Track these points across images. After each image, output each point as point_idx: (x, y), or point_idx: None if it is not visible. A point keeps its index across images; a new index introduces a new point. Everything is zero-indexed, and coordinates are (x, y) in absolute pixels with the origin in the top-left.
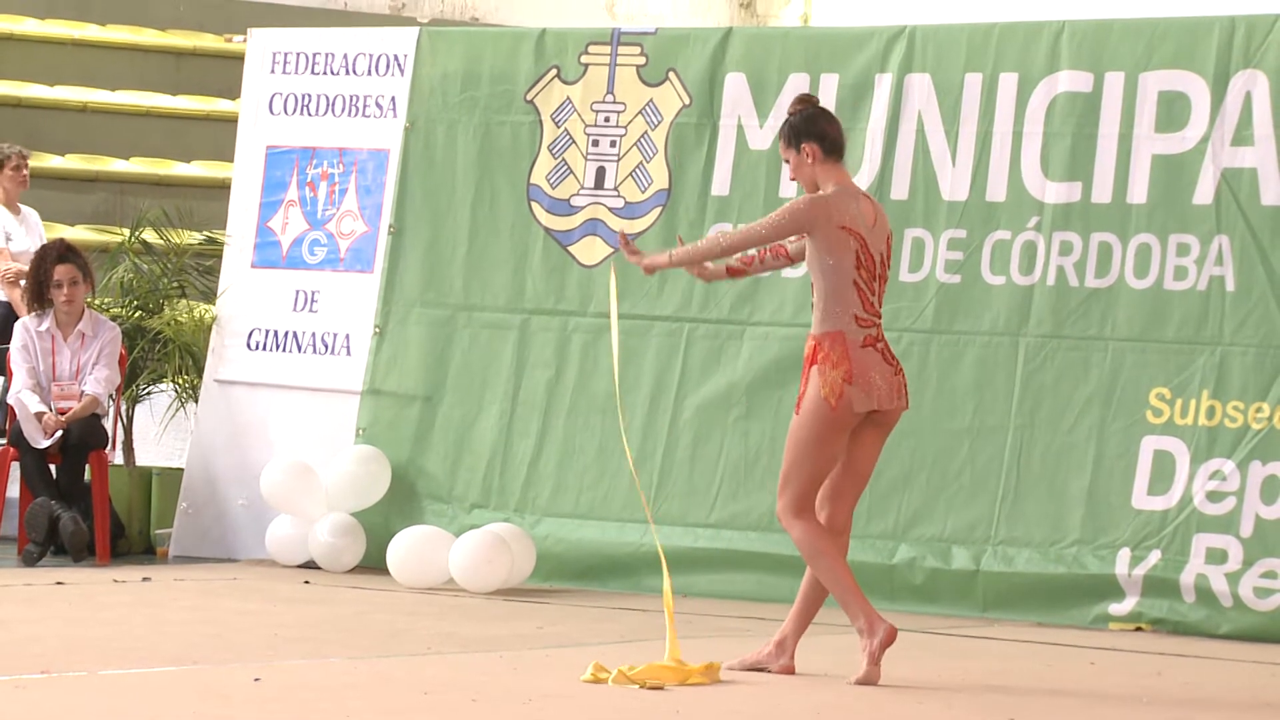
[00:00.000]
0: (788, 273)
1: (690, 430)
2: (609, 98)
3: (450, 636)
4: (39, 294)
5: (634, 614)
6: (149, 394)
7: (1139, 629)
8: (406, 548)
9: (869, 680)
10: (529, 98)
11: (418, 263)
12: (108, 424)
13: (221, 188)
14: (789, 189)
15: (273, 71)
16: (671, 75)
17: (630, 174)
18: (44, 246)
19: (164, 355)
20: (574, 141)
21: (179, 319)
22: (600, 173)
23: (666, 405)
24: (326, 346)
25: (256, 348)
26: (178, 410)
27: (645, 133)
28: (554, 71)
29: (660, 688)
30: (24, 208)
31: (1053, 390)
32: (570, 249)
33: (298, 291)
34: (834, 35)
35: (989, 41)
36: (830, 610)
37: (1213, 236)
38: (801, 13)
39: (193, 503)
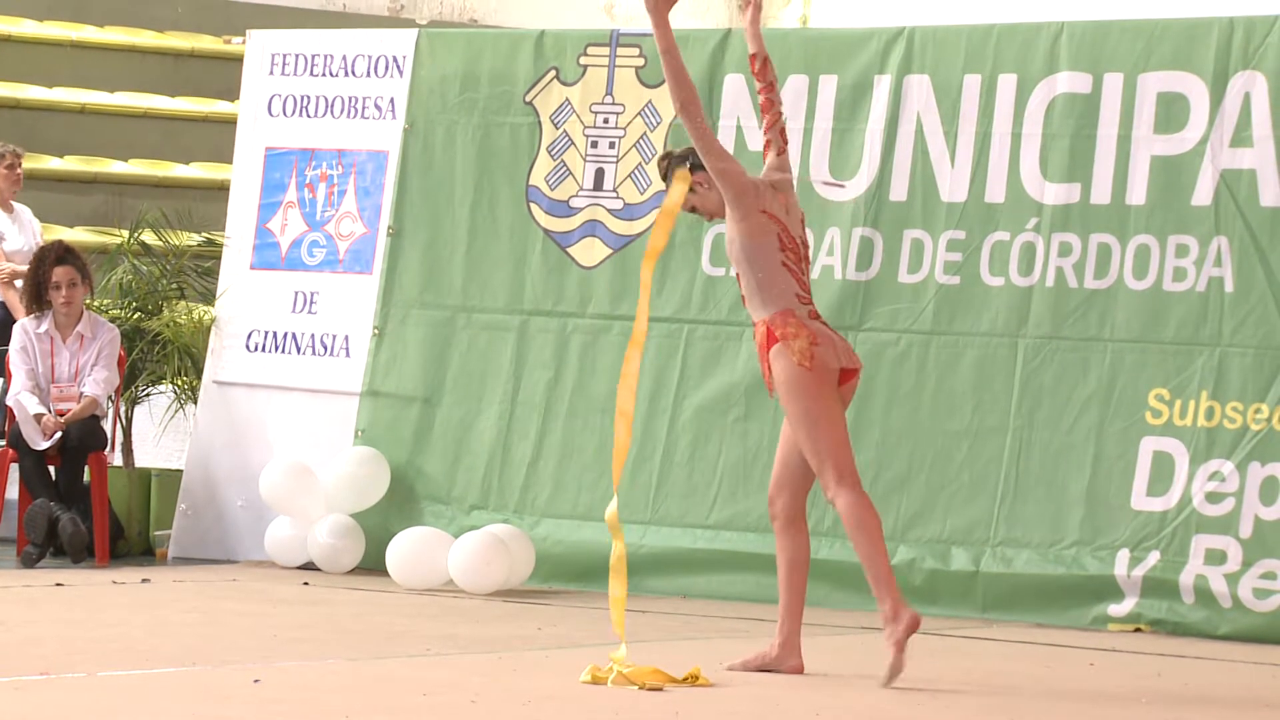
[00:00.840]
0: None
1: (689, 431)
2: (608, 99)
3: (449, 638)
4: (38, 296)
5: (633, 615)
6: (148, 395)
7: (1138, 630)
8: (406, 549)
9: (896, 668)
10: (528, 99)
11: (417, 264)
12: (107, 425)
13: (220, 189)
14: None
15: (271, 73)
16: None
17: (629, 175)
18: (42, 248)
19: (163, 357)
20: (573, 143)
21: (178, 320)
22: (599, 174)
23: (665, 406)
24: (325, 348)
25: (255, 349)
26: (177, 412)
27: (644, 134)
28: (553, 73)
29: (659, 689)
30: (17, 205)
31: (1052, 391)
32: (569, 250)
33: (297, 293)
34: (833, 36)
35: (988, 42)
36: (829, 611)
37: (1212, 237)
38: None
39: (192, 504)
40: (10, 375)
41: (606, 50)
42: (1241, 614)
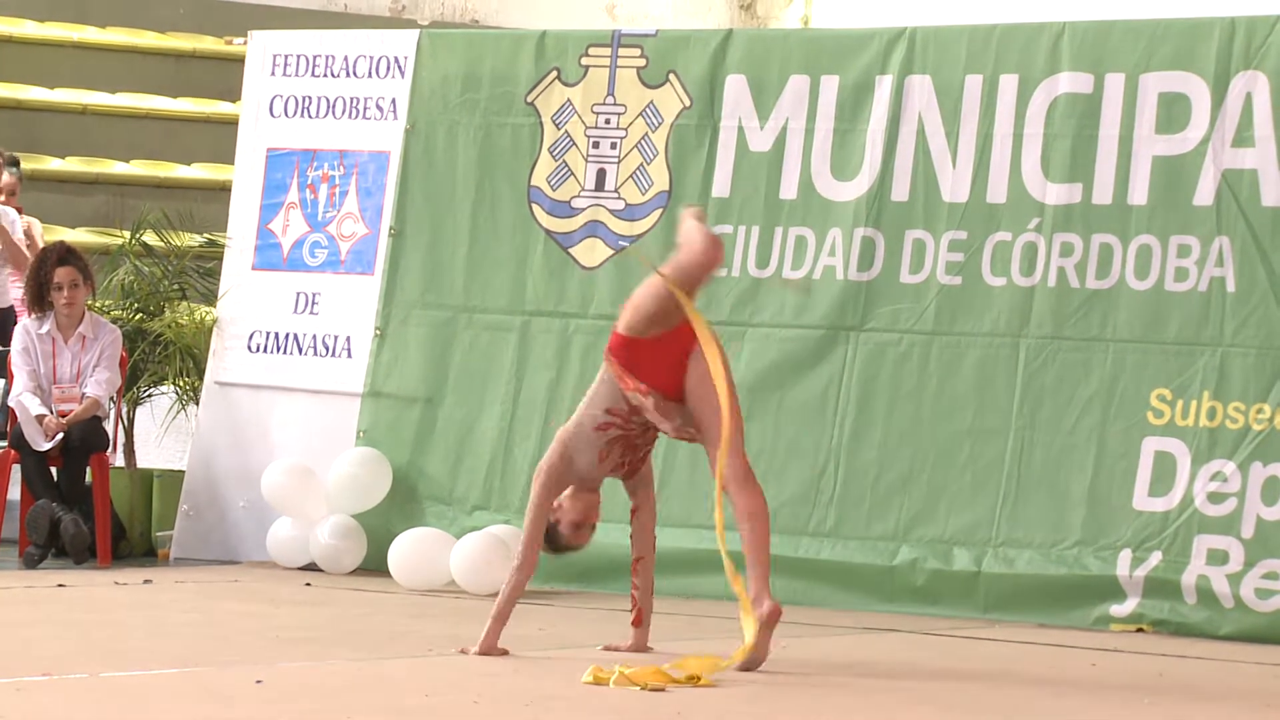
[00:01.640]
0: (788, 274)
1: None
2: (609, 99)
3: (452, 638)
4: (39, 297)
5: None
6: (150, 396)
7: (1140, 630)
8: (407, 549)
9: (759, 651)
10: (529, 100)
11: (418, 265)
12: (109, 426)
13: (222, 190)
14: (789, 191)
15: (273, 74)
16: (672, 77)
17: (631, 176)
18: (44, 249)
19: (165, 357)
20: (574, 143)
21: (180, 321)
22: (601, 174)
23: None
24: (327, 349)
25: (257, 350)
26: (178, 412)
27: (646, 134)
28: (554, 73)
29: (661, 689)
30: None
31: (1054, 391)
32: (571, 251)
33: (298, 293)
34: (834, 37)
35: (989, 43)
36: (830, 611)
37: (1213, 238)
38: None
39: (194, 505)
40: (12, 376)
41: (608, 51)
42: (1244, 614)
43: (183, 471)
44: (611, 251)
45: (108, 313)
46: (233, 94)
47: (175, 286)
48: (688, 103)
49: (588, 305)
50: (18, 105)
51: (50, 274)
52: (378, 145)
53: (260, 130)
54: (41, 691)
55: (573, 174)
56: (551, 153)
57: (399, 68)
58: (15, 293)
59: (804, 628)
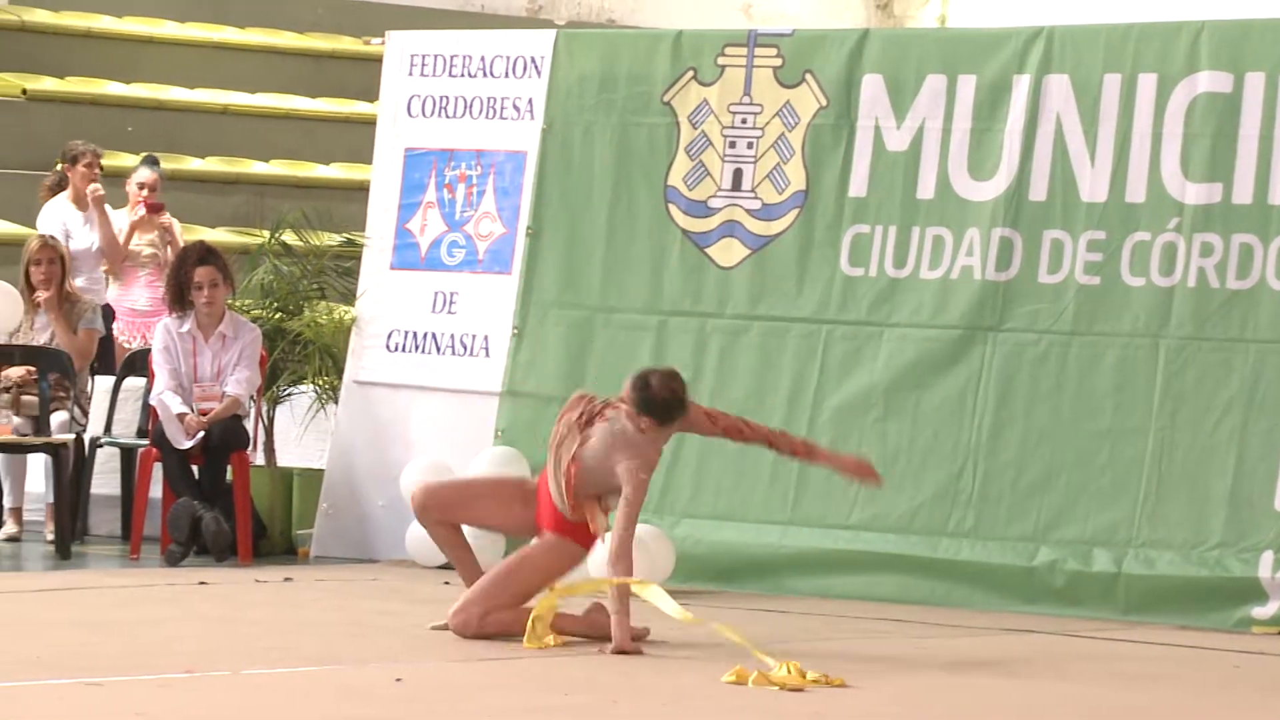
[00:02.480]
0: (925, 274)
1: (828, 432)
2: (746, 99)
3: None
4: (180, 296)
5: (773, 615)
6: (289, 395)
7: None
8: None
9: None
10: (666, 99)
11: (556, 264)
12: (249, 425)
13: (360, 190)
14: (926, 191)
15: (410, 74)
16: (808, 76)
17: (767, 175)
18: (184, 248)
19: (304, 356)
20: (711, 143)
21: (319, 320)
22: (737, 174)
23: (805, 407)
24: (465, 348)
25: (396, 349)
26: (318, 411)
27: (782, 134)
28: (690, 73)
29: (800, 689)
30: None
31: (1194, 392)
32: (708, 250)
33: (436, 293)
34: (971, 36)
35: (1127, 42)
36: (967, 612)
37: None
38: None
39: (333, 503)
40: (153, 375)
41: (744, 50)
42: None
43: (322, 470)
44: (749, 251)
45: (247, 312)
46: (371, 94)
47: (314, 286)
48: (824, 102)
49: (724, 305)
50: (159, 105)
51: (190, 273)
52: (515, 145)
53: (398, 130)
54: (183, 688)
55: (709, 174)
56: (688, 152)
57: (535, 68)
58: (111, 292)
59: (943, 628)
